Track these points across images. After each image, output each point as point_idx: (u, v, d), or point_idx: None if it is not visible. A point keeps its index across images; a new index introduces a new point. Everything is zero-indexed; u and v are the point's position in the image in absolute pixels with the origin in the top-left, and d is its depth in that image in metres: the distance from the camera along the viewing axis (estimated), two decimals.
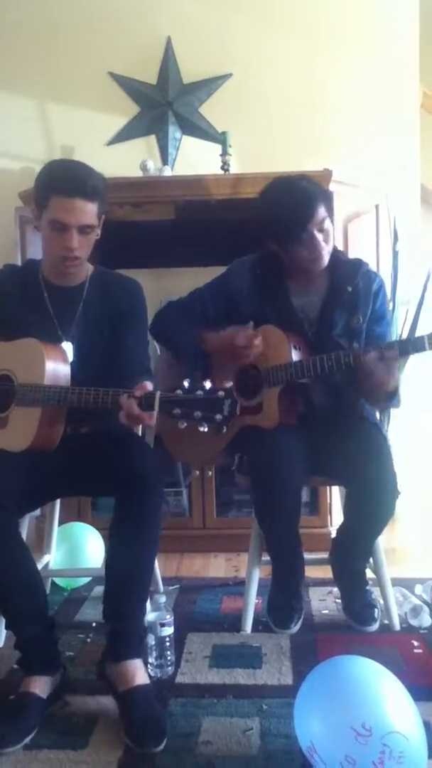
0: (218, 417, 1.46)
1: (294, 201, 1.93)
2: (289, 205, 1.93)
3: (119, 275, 1.99)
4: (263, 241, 2.05)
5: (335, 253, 2.08)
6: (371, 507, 1.92)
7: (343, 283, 2.03)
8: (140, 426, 2.15)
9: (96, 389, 1.64)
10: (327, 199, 1.98)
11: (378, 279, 2.09)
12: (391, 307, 2.90)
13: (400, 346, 1.84)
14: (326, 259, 2.00)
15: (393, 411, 2.95)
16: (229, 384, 1.50)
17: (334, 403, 2.06)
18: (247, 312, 2.07)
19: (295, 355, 1.97)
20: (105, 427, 1.86)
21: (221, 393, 1.47)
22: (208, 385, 1.49)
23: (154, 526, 1.70)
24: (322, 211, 1.94)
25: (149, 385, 1.58)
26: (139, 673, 1.65)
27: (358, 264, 2.08)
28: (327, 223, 1.96)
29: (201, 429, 1.48)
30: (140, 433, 2.16)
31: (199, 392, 1.48)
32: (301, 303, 2.07)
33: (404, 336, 2.89)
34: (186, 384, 1.49)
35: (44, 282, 1.90)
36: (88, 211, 1.75)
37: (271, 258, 2.07)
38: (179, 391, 1.49)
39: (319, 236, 1.95)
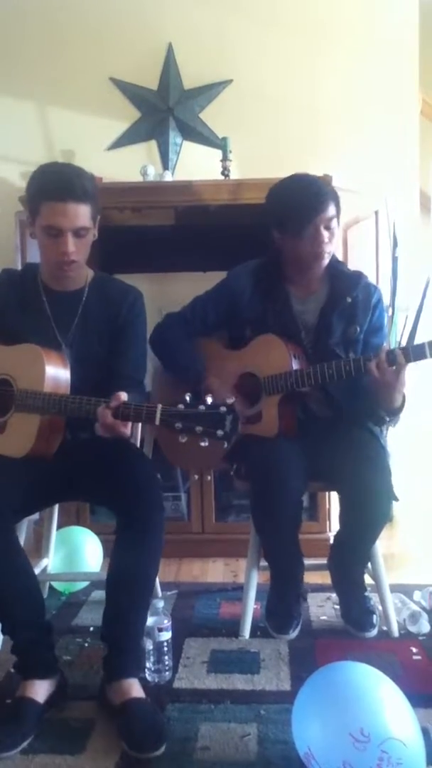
0: (219, 433, 1.46)
1: (307, 192, 1.95)
2: (302, 195, 1.95)
3: (120, 282, 1.98)
4: (267, 230, 2.05)
5: (336, 264, 2.10)
6: (366, 513, 1.93)
7: (342, 292, 2.04)
8: (138, 433, 2.16)
9: (96, 399, 1.63)
10: (337, 201, 1.99)
11: (377, 292, 2.10)
12: (390, 313, 2.90)
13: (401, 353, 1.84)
14: (327, 258, 2.01)
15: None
16: (231, 400, 1.50)
17: (332, 412, 2.06)
18: (248, 316, 2.08)
19: (295, 364, 1.98)
20: None
21: (223, 408, 1.47)
22: (209, 400, 1.49)
23: (156, 545, 1.70)
24: (332, 209, 1.96)
25: (124, 396, 1.59)
26: (135, 688, 1.64)
27: (358, 276, 2.09)
28: (334, 223, 1.98)
29: (201, 444, 1.48)
30: (139, 440, 2.16)
31: (201, 407, 1.48)
32: (301, 310, 2.08)
33: (403, 343, 2.90)
34: (188, 398, 1.50)
35: (43, 287, 1.89)
36: (81, 214, 1.74)
37: (272, 264, 2.08)
38: (181, 406, 1.49)
39: (325, 233, 1.96)
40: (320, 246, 1.97)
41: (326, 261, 2.01)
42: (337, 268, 2.09)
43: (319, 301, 2.07)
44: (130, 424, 1.60)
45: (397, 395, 1.89)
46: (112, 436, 1.62)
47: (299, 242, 1.98)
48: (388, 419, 2.00)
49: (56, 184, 1.73)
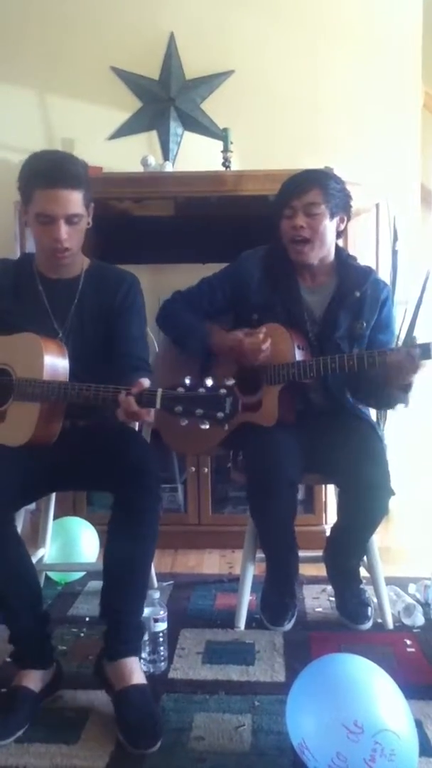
0: (219, 415, 1.47)
1: (295, 177, 2.02)
2: (290, 180, 2.02)
3: (115, 268, 1.97)
4: (272, 221, 2.06)
5: (347, 258, 2.10)
6: (365, 506, 1.93)
7: (351, 286, 2.03)
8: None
9: (96, 386, 1.63)
10: (326, 190, 1.97)
11: (386, 288, 2.10)
12: None
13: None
14: (307, 251, 2.00)
15: (389, 411, 2.95)
16: (231, 382, 1.50)
17: (332, 403, 2.07)
18: (256, 302, 2.07)
19: (299, 355, 1.97)
20: (103, 421, 1.86)
21: (223, 391, 1.47)
22: (209, 382, 1.49)
23: (152, 524, 1.69)
24: (314, 195, 1.96)
25: (146, 382, 1.59)
26: (136, 672, 1.64)
27: (368, 271, 2.09)
28: (317, 210, 1.96)
29: (202, 426, 1.49)
30: (137, 427, 2.16)
31: (201, 390, 1.48)
32: (309, 300, 2.07)
33: (401, 336, 2.89)
34: (187, 381, 1.49)
35: (39, 275, 1.89)
36: (73, 200, 1.73)
37: (281, 251, 2.07)
38: (181, 389, 1.49)
39: (303, 219, 1.96)
40: (295, 230, 1.97)
41: (308, 252, 2.00)
42: (347, 262, 2.09)
43: (327, 294, 2.07)
44: (152, 410, 1.57)
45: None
46: (133, 421, 1.63)
47: (280, 225, 2.01)
48: (401, 397, 1.96)
49: (47, 170, 1.72)
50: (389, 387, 1.92)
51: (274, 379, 1.99)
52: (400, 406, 2.02)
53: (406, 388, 1.90)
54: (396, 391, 1.93)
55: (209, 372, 2.07)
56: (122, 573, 1.68)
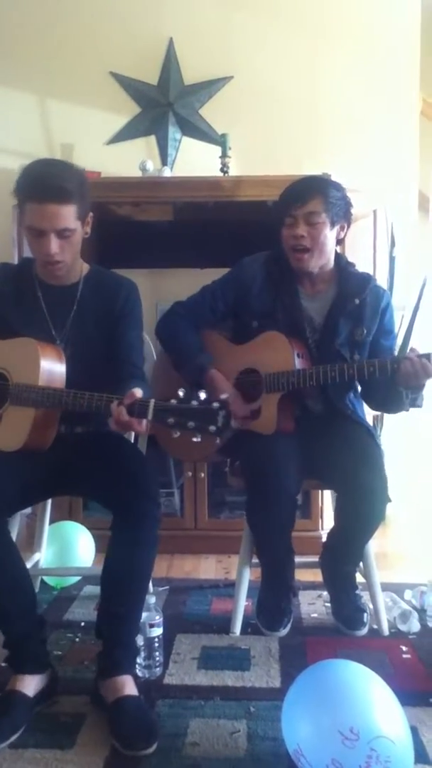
0: (212, 428, 1.45)
1: (296, 185, 2.02)
2: (291, 187, 2.02)
3: (114, 275, 1.98)
4: (273, 226, 2.07)
5: (346, 265, 2.11)
6: (361, 512, 1.93)
7: (350, 293, 2.04)
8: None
9: (90, 394, 1.62)
10: (326, 199, 1.97)
11: (386, 295, 2.10)
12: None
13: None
14: (306, 259, 2.00)
15: (386, 417, 2.96)
16: (225, 395, 1.50)
17: (330, 409, 2.07)
18: (257, 308, 2.07)
19: (298, 363, 1.97)
20: (99, 428, 1.86)
21: (216, 404, 1.46)
22: (203, 395, 1.48)
23: (152, 529, 1.69)
24: (315, 204, 1.96)
25: (138, 392, 1.56)
26: (129, 686, 1.64)
27: (368, 278, 2.09)
28: (318, 219, 1.96)
29: (194, 439, 1.48)
30: (133, 435, 2.16)
31: (194, 402, 1.47)
32: (308, 307, 2.08)
33: (398, 342, 2.90)
34: (181, 393, 1.49)
35: (38, 281, 1.89)
36: (63, 215, 1.71)
37: (282, 257, 2.08)
38: (174, 401, 1.48)
39: (303, 228, 1.97)
40: (296, 240, 1.98)
41: (307, 263, 2.00)
42: (346, 269, 2.10)
43: (326, 301, 2.08)
44: (145, 421, 1.55)
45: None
46: (125, 431, 1.62)
47: (281, 233, 2.01)
48: (412, 397, 1.97)
49: (36, 185, 1.71)
50: (401, 388, 1.93)
51: (273, 387, 1.99)
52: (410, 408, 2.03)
53: (418, 389, 1.93)
54: (407, 392, 1.94)
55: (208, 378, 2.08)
56: (121, 577, 1.68)
